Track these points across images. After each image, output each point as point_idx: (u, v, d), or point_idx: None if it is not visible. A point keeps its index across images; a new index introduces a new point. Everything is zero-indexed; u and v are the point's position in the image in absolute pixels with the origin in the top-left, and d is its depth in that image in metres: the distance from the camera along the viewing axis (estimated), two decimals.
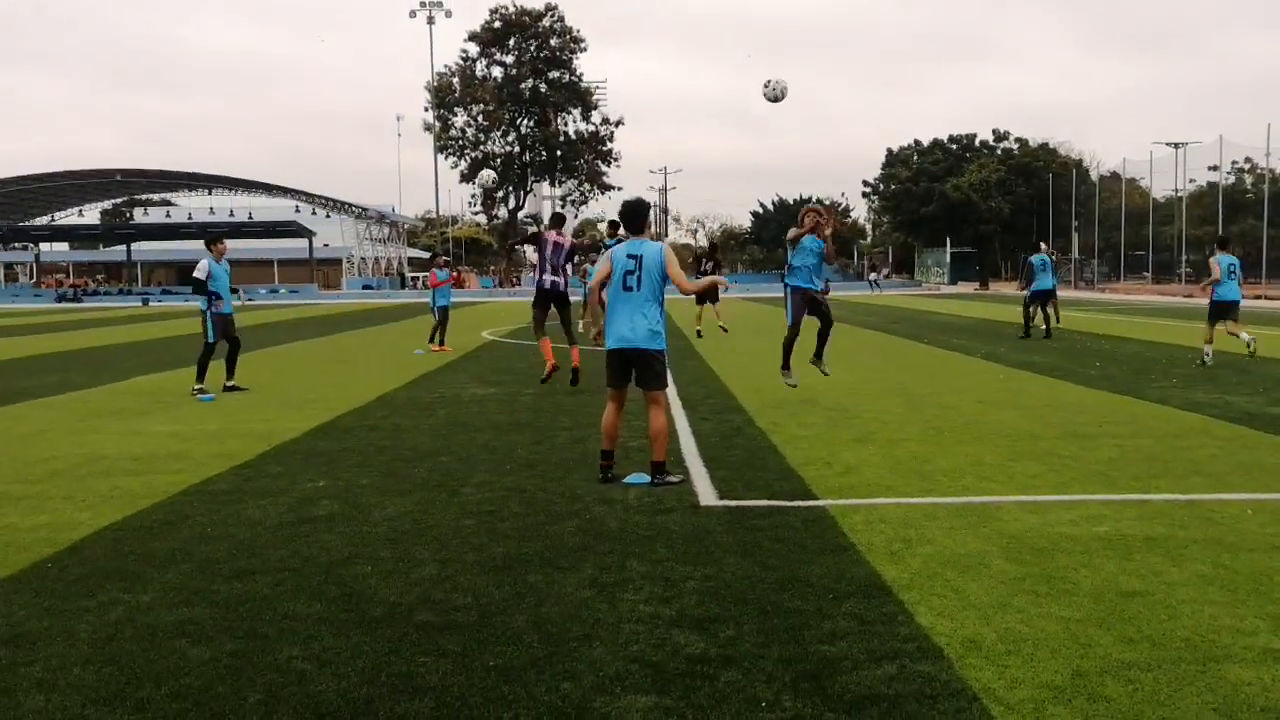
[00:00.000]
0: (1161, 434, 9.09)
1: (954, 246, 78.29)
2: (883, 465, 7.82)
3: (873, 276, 69.93)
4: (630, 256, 7.23)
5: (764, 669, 3.92)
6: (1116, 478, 7.25)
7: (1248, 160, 62.50)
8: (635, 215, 7.46)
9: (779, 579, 5.00)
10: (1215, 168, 59.70)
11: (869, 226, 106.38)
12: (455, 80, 79.03)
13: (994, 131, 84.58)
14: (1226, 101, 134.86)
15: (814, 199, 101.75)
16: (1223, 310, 15.67)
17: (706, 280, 8.05)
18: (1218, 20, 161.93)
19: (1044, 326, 20.82)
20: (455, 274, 35.91)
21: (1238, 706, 3.55)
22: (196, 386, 13.13)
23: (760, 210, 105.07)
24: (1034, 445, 8.56)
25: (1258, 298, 43.34)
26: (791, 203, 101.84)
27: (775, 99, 15.27)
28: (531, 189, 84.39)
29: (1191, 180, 62.67)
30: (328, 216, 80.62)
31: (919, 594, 4.74)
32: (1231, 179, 63.46)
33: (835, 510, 6.37)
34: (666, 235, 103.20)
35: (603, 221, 62.23)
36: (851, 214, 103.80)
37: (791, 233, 11.62)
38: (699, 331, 22.60)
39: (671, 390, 12.68)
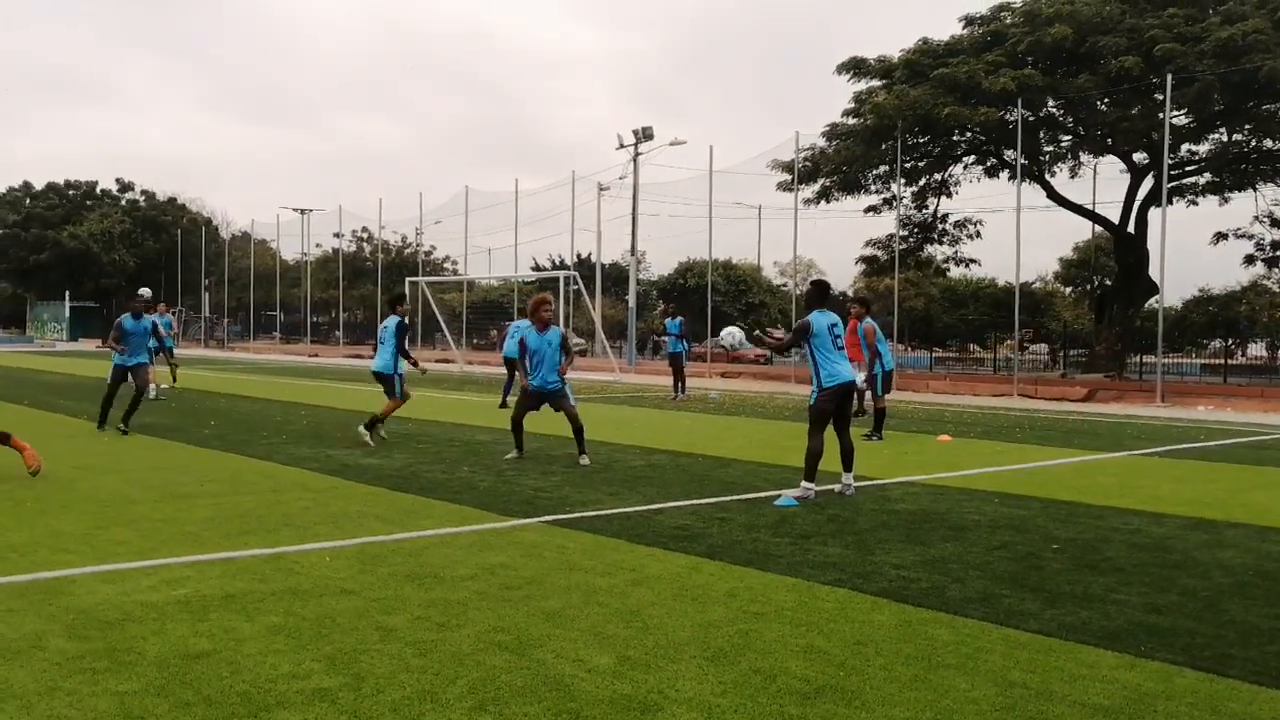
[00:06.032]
0: (261, 489, 9.32)
1: (75, 300, 73.62)
2: None
3: None
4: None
5: None
6: (207, 537, 7.22)
7: (365, 230, 68.23)
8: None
9: None
10: (339, 235, 64.49)
11: None
12: None
13: (118, 180, 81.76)
14: (343, 174, 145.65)
15: None
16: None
17: None
18: (329, 99, 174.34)
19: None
20: None
21: None
22: None
23: None
24: (127, 510, 8.21)
25: (358, 357, 47.26)
26: None
27: None
28: None
29: (318, 245, 67.17)
30: None
31: None
32: (353, 246, 68.83)
33: None
34: None
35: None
36: None
37: None
38: None
39: None
